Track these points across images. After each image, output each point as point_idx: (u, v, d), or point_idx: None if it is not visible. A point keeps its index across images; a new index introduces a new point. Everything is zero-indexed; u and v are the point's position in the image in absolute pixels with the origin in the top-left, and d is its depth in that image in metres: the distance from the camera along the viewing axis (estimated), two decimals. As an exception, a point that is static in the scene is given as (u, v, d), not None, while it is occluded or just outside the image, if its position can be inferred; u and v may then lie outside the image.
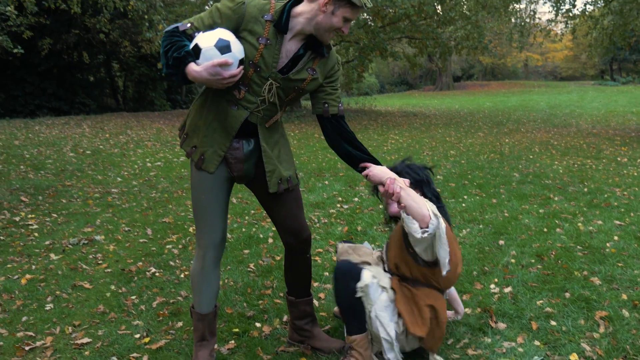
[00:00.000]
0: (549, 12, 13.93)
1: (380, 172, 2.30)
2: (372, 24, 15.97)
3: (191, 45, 2.09)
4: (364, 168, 2.37)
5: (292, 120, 15.63)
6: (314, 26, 2.21)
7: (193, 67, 2.05)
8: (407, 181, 2.30)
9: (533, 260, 3.80)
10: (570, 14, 13.18)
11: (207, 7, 17.39)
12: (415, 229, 2.20)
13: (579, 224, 4.67)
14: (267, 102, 2.29)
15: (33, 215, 5.20)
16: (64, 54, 19.84)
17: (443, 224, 2.24)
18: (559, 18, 13.65)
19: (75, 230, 4.74)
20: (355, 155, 2.42)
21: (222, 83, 2.08)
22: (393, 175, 2.26)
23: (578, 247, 4.07)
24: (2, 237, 4.50)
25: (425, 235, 2.19)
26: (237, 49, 2.09)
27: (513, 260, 3.80)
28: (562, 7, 12.94)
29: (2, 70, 18.35)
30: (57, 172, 7.47)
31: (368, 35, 14.96)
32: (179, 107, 25.26)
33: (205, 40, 2.06)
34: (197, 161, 2.33)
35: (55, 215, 5.25)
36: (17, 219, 5.07)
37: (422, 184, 2.53)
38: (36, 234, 4.62)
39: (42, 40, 17.42)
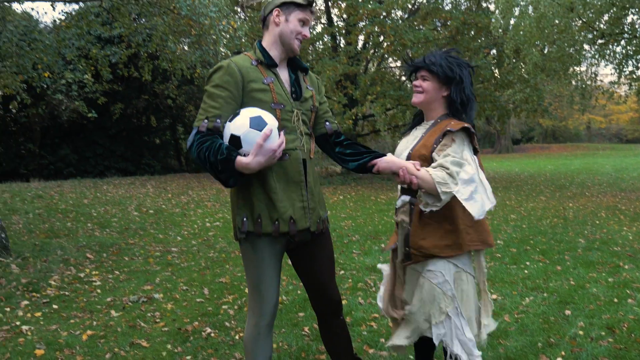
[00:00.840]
0: (612, 74, 13.64)
1: (388, 164, 2.28)
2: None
3: (227, 140, 2.10)
4: (373, 166, 2.37)
5: (349, 183, 15.72)
6: (280, 43, 2.32)
7: (242, 160, 2.05)
8: (417, 164, 2.22)
9: (603, 333, 3.57)
10: (634, 76, 12.87)
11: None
12: (434, 202, 2.23)
13: (653, 295, 4.38)
14: (302, 134, 2.34)
15: (97, 272, 5.38)
16: (133, 117, 21.01)
17: (466, 174, 2.21)
18: (622, 80, 13.36)
19: (135, 288, 4.86)
20: (366, 164, 2.42)
21: (276, 156, 2.09)
22: (402, 163, 2.23)
23: (653, 319, 3.81)
24: (67, 293, 4.66)
25: (441, 203, 2.22)
26: (270, 118, 2.12)
27: (581, 332, 3.59)
28: (625, 69, 12.67)
29: (76, 133, 19.57)
30: (122, 230, 7.75)
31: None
32: (239, 168, 25.96)
33: (238, 126, 2.08)
34: (274, 230, 2.26)
35: (117, 272, 5.41)
36: (82, 275, 5.25)
37: (452, 83, 2.35)
38: (99, 291, 4.76)
39: (115, 105, 18.55)
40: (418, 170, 2.20)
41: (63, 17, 10.08)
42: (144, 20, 12.36)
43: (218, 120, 2.15)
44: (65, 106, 15.87)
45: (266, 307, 2.35)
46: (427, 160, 2.29)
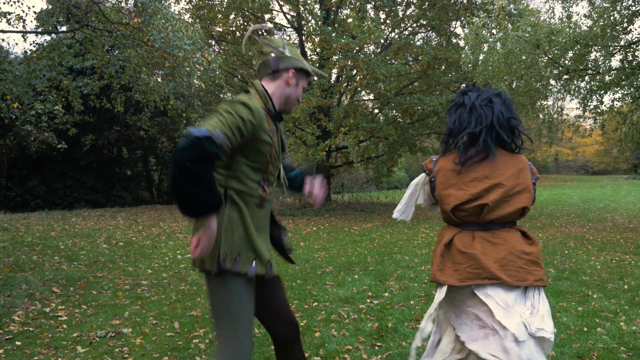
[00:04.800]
0: (577, 108, 14.05)
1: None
2: (401, 121, 16.38)
3: None
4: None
5: (322, 214, 15.72)
6: (284, 100, 2.38)
7: (211, 218, 2.03)
8: None
9: (574, 362, 3.60)
10: (599, 110, 13.29)
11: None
12: None
13: (622, 323, 4.44)
14: (274, 186, 2.40)
15: (63, 307, 5.23)
16: (104, 149, 20.79)
17: None
18: (587, 114, 13.79)
19: (103, 323, 4.73)
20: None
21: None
22: None
23: (622, 348, 3.86)
24: (31, 329, 4.51)
25: None
26: None
27: (552, 362, 3.61)
28: (589, 104, 13.08)
29: (45, 164, 19.24)
30: (90, 263, 7.58)
31: (397, 132, 15.31)
32: (211, 200, 25.77)
33: None
34: (249, 270, 2.22)
35: (84, 306, 5.27)
36: (48, 310, 5.10)
37: None
38: (65, 326, 4.62)
39: (85, 137, 18.35)
40: None
41: (34, 48, 9.99)
42: (117, 52, 12.35)
43: (228, 142, 2.05)
44: (34, 137, 15.63)
45: (248, 343, 2.26)
46: None
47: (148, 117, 19.28)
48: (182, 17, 14.93)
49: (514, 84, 13.89)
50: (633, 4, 11.35)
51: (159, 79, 11.95)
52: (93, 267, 7.33)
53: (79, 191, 19.82)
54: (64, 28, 11.49)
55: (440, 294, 2.31)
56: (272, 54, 2.34)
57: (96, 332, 4.43)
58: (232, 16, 17.22)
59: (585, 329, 4.33)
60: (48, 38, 10.83)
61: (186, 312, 5.11)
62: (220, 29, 17.75)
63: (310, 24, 15.15)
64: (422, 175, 2.59)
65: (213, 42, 17.86)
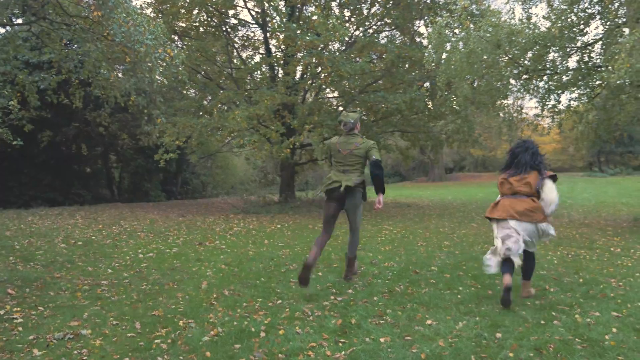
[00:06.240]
0: (536, 107, 14.39)
1: None
2: (366, 119, 16.47)
3: None
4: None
5: (286, 211, 15.69)
6: None
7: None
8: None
9: (532, 354, 3.69)
10: (556, 109, 13.62)
11: (205, 102, 17.96)
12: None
13: (577, 316, 4.58)
14: None
15: (18, 309, 5.07)
16: (62, 145, 20.24)
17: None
18: (545, 113, 14.11)
19: (61, 324, 4.60)
20: None
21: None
22: None
23: (577, 339, 3.98)
24: (-16, 331, 4.35)
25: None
26: None
27: (511, 354, 3.69)
28: (547, 103, 13.39)
29: None
30: (47, 263, 7.37)
31: (362, 129, 15.37)
32: (174, 197, 25.39)
33: None
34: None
35: (41, 308, 5.12)
36: (2, 312, 4.93)
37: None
38: (20, 328, 4.48)
39: (42, 133, 17.83)
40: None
41: (-12, 41, 9.65)
42: (75, 46, 12.04)
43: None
44: (-13, 133, 15.09)
45: None
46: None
47: (108, 113, 18.86)
48: (144, 11, 14.63)
49: (476, 83, 14.12)
50: (589, 6, 11.68)
51: (120, 75, 11.71)
52: (50, 267, 7.13)
53: (35, 189, 19.24)
54: (19, 20, 11.13)
55: (495, 224, 5.21)
56: (346, 123, 5.74)
57: (54, 334, 4.31)
58: (195, 11, 16.96)
59: (542, 322, 4.45)
60: (2, 31, 10.48)
61: (148, 311, 5.02)
62: (184, 24, 17.46)
63: (274, 21, 15.07)
64: None
65: (176, 38, 17.57)
